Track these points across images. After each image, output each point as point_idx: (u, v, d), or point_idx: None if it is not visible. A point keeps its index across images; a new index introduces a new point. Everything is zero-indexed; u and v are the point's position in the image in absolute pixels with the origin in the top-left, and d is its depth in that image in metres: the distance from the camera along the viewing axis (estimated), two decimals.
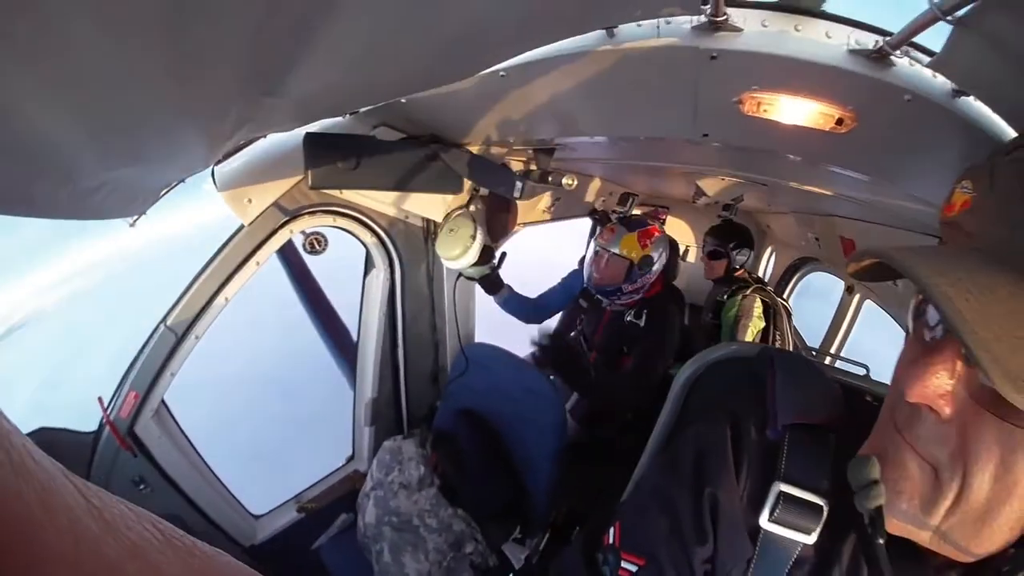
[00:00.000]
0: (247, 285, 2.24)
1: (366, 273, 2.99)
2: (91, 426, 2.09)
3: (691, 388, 1.35)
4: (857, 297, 3.86)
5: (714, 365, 1.33)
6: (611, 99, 1.66)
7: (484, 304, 3.43)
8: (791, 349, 3.48)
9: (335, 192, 2.39)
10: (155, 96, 0.83)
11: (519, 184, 2.23)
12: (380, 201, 2.60)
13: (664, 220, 6.57)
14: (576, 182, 2.31)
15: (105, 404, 2.06)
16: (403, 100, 1.82)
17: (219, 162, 1.92)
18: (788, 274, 5.19)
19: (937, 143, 1.29)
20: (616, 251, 2.90)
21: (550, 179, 2.33)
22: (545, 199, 3.82)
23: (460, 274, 2.96)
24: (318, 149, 2.01)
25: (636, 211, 5.18)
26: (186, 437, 2.35)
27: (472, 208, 2.76)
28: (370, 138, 2.15)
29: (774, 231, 5.62)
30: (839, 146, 1.50)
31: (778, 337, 3.45)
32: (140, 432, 2.10)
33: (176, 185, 1.59)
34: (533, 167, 2.47)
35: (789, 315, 3.60)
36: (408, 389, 3.23)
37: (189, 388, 2.35)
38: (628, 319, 3.00)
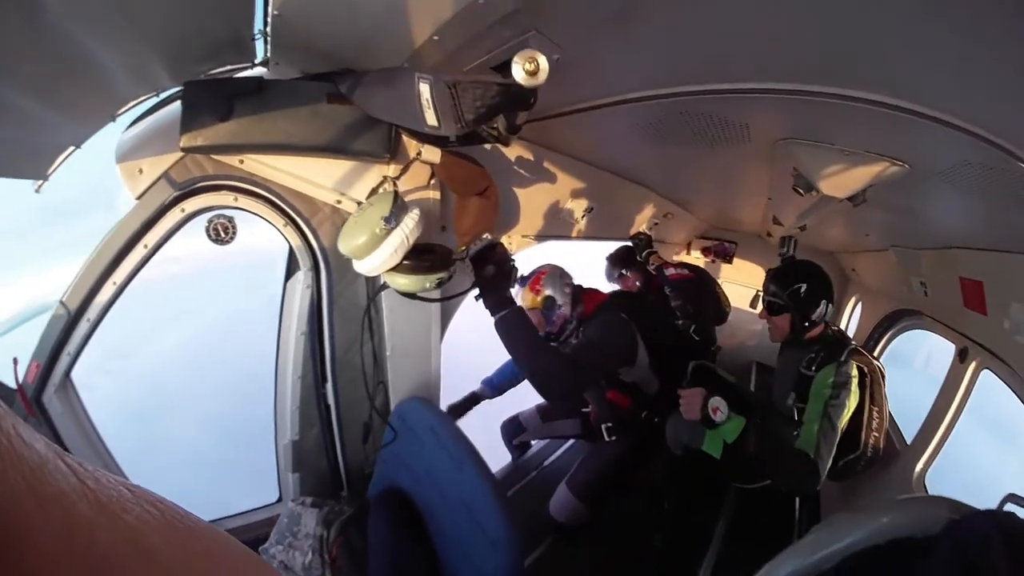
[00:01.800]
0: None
1: (288, 275, 2.31)
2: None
3: None
4: (973, 365, 2.82)
5: None
6: None
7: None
8: (886, 426, 2.65)
9: (234, 161, 1.89)
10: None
11: (425, 91, 1.37)
12: (293, 175, 1.96)
13: (732, 256, 5.90)
14: None
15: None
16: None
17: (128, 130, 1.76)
18: (878, 331, 4.25)
19: None
20: (526, 307, 2.91)
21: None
22: (573, 207, 3.08)
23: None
24: (197, 98, 1.68)
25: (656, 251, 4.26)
26: (91, 423, 2.14)
27: (400, 182, 1.93)
28: (254, 79, 1.72)
29: (861, 276, 4.77)
30: None
31: (875, 414, 2.59)
32: (46, 403, 1.97)
33: (73, 151, 1.62)
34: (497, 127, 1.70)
35: (885, 379, 2.69)
36: (344, 437, 2.47)
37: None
38: (573, 341, 3.03)
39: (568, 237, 3.43)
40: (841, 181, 1.90)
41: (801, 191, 2.07)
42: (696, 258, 6.30)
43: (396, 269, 1.83)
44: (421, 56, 1.44)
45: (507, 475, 3.69)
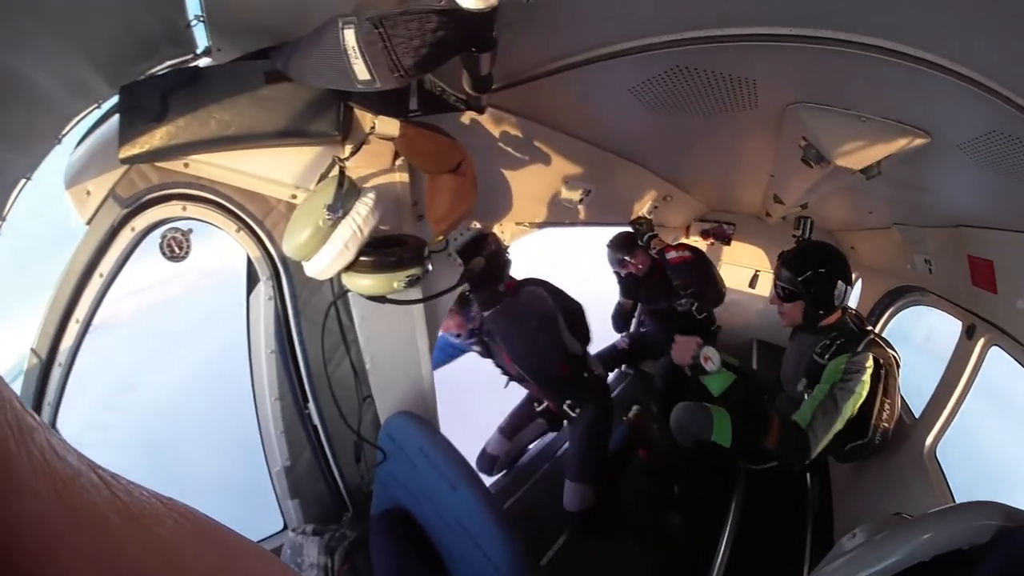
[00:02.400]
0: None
1: (250, 288, 2.06)
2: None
3: None
4: (982, 342, 2.76)
5: None
6: None
7: None
8: (897, 415, 2.59)
9: (178, 166, 1.67)
10: None
11: (350, 38, 1.13)
12: (241, 172, 1.73)
13: (730, 238, 5.90)
14: None
15: None
16: None
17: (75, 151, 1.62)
18: (879, 308, 4.22)
19: None
20: None
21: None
22: (569, 190, 2.93)
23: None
24: (133, 103, 1.48)
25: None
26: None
27: (354, 164, 1.68)
28: (188, 71, 1.53)
29: (861, 254, 4.74)
30: None
31: (887, 406, 2.49)
32: None
33: (24, 184, 1.55)
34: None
35: (899, 369, 2.60)
36: (337, 458, 2.29)
37: None
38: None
39: (566, 223, 3.27)
40: (857, 151, 1.74)
41: (811, 162, 1.92)
42: (695, 241, 6.26)
43: (353, 268, 1.59)
44: (365, 8, 1.20)
45: (511, 480, 3.57)
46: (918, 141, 1.64)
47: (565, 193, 2.91)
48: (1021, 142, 1.40)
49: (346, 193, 1.52)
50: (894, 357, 2.56)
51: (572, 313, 3.06)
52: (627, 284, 4.57)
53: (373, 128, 1.63)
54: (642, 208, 4.24)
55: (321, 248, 1.52)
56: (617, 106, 2.16)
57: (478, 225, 2.45)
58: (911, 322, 4.44)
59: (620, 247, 4.29)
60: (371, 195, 1.57)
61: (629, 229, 4.11)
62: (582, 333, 3.13)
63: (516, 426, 3.61)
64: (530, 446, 3.75)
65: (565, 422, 3.20)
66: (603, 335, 4.56)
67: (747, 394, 2.31)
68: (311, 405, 2.13)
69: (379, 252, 1.61)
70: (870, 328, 2.69)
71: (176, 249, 1.74)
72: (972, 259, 2.59)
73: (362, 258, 1.58)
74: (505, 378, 3.34)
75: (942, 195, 2.39)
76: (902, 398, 3.46)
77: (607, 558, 2.91)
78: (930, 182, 2.24)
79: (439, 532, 1.84)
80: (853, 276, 4.98)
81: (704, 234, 6.23)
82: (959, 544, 1.17)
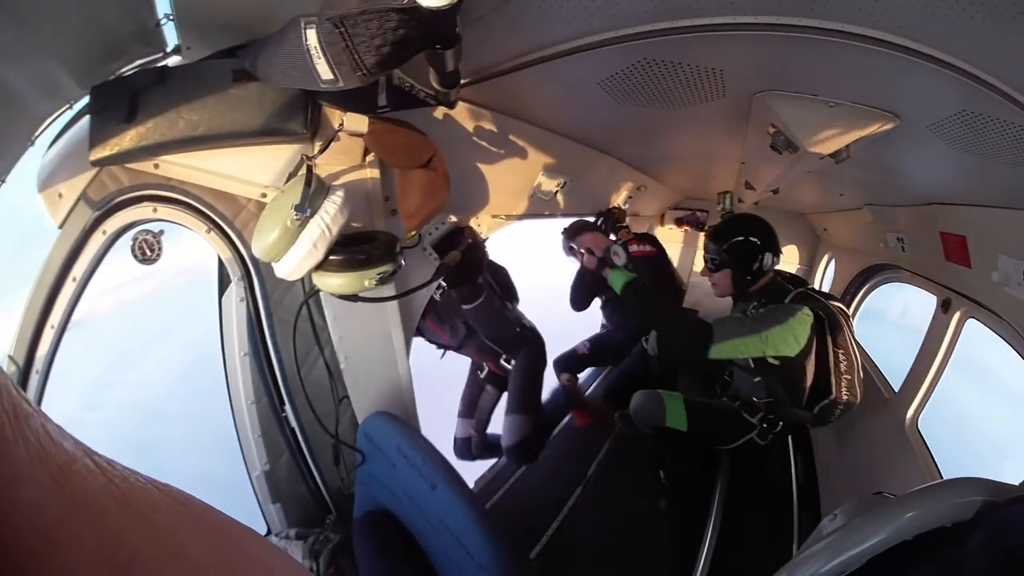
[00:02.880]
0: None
1: (222, 290, 2.01)
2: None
3: None
4: (957, 315, 2.82)
5: None
6: None
7: None
8: (859, 371, 2.61)
9: (148, 167, 1.63)
10: None
11: (312, 38, 1.10)
12: (210, 172, 1.69)
13: (704, 224, 5.93)
14: None
15: None
16: None
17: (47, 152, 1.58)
18: (853, 286, 4.25)
19: None
20: None
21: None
22: (545, 182, 2.91)
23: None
24: (103, 104, 1.45)
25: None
26: None
27: (323, 161, 1.65)
28: (157, 70, 1.48)
29: (833, 235, 4.78)
30: None
31: (842, 357, 2.55)
32: None
33: None
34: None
35: (849, 322, 2.65)
36: (317, 461, 2.25)
37: None
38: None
39: (543, 215, 3.26)
40: (825, 136, 1.73)
41: (780, 149, 1.92)
42: (670, 229, 6.27)
43: (323, 268, 1.56)
44: (331, 5, 1.20)
45: (497, 474, 3.55)
46: (887, 124, 1.64)
47: (540, 186, 2.88)
48: (991, 120, 1.41)
49: (314, 192, 1.48)
50: (839, 308, 2.61)
51: (502, 277, 3.33)
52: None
53: (342, 125, 1.60)
54: (618, 199, 4.22)
55: (290, 249, 1.49)
56: (588, 99, 2.14)
57: (454, 219, 2.42)
58: (887, 299, 4.51)
59: (574, 235, 4.10)
60: (340, 193, 1.54)
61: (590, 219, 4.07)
62: (513, 294, 3.47)
63: (470, 403, 3.79)
64: (492, 416, 3.83)
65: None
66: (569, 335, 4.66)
67: (646, 289, 2.52)
68: (287, 407, 2.09)
69: (349, 250, 1.57)
70: (810, 287, 2.76)
71: (148, 251, 1.71)
72: (945, 235, 2.63)
73: (331, 257, 1.55)
74: (440, 351, 3.56)
75: (913, 175, 2.41)
76: (877, 368, 3.55)
77: (596, 547, 2.92)
78: (900, 163, 2.26)
79: (423, 532, 1.82)
80: (827, 258, 5.07)
81: (678, 222, 6.24)
82: (942, 522, 1.17)
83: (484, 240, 2.72)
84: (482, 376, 3.72)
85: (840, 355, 2.54)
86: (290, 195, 1.48)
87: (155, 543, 0.28)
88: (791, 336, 2.39)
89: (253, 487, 2.20)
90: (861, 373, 2.63)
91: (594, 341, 4.71)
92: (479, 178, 2.43)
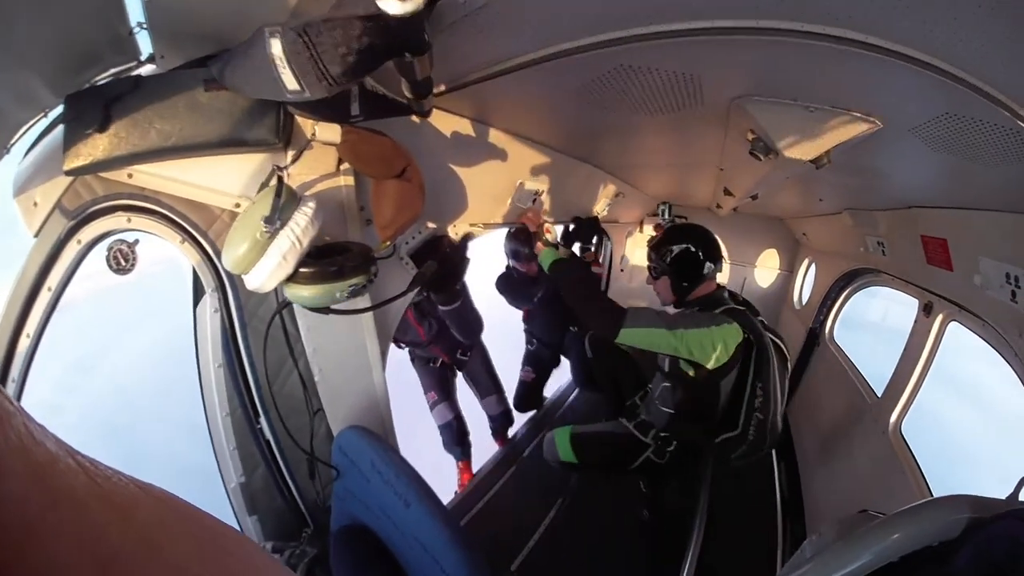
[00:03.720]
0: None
1: (196, 300, 1.98)
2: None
3: None
4: (940, 318, 2.82)
5: None
6: None
7: None
8: (776, 417, 2.43)
9: (122, 177, 1.61)
10: None
11: (276, 48, 1.07)
12: (184, 182, 1.66)
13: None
14: None
15: None
16: None
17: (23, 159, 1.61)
18: (834, 290, 4.27)
19: None
20: None
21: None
22: (521, 191, 2.86)
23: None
24: (77, 112, 1.44)
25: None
26: None
27: (296, 172, 1.62)
28: (130, 79, 1.48)
29: (812, 239, 4.79)
30: None
31: (759, 391, 2.38)
32: None
33: None
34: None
35: (785, 363, 2.49)
36: (293, 473, 2.19)
37: None
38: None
39: (520, 223, 3.22)
40: (805, 142, 1.70)
41: (759, 155, 1.89)
42: (649, 235, 6.28)
43: (294, 279, 1.51)
44: (301, 14, 1.17)
45: (476, 486, 3.49)
46: (868, 127, 1.60)
47: (518, 194, 2.84)
48: (975, 122, 1.37)
49: (285, 203, 1.44)
50: (776, 343, 2.45)
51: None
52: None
53: (314, 135, 1.56)
54: (596, 206, 4.20)
55: (259, 261, 1.43)
56: (565, 107, 2.09)
57: (432, 226, 2.37)
58: (865, 303, 4.53)
59: (516, 240, 4.01)
60: (311, 204, 1.49)
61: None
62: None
63: (443, 388, 3.99)
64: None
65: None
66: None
67: (572, 268, 2.57)
68: (262, 420, 2.03)
69: (320, 262, 1.53)
70: (749, 309, 2.61)
71: (122, 261, 1.70)
72: (926, 239, 2.61)
73: (302, 269, 1.50)
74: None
75: (893, 178, 2.38)
76: (861, 376, 3.53)
77: (578, 558, 2.88)
78: (881, 167, 2.23)
79: (400, 547, 1.77)
80: (807, 262, 5.08)
81: (657, 228, 6.28)
82: (928, 541, 1.13)
83: (464, 247, 2.67)
84: (437, 366, 3.91)
85: (758, 390, 2.38)
86: (260, 206, 1.43)
87: (137, 540, 0.28)
88: (709, 343, 2.28)
89: (229, 499, 2.15)
90: (779, 422, 2.44)
91: (532, 364, 4.68)
92: (456, 187, 2.38)
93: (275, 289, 1.62)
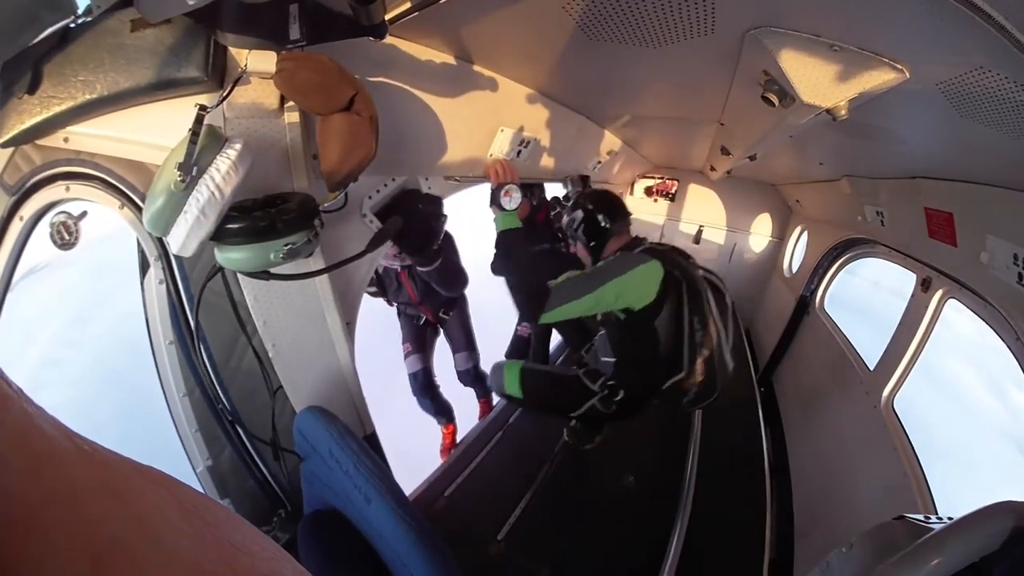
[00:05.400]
0: None
1: (143, 272, 1.75)
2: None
3: None
4: (939, 295, 2.69)
5: None
6: None
7: None
8: (723, 355, 2.37)
9: (58, 142, 1.42)
10: None
11: None
12: (117, 139, 1.42)
13: (673, 194, 5.83)
14: None
15: None
16: None
17: None
18: (827, 260, 4.13)
19: None
20: None
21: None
22: (504, 140, 2.55)
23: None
24: (10, 78, 1.31)
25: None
26: None
27: (229, 110, 1.37)
28: (58, 32, 1.28)
29: (806, 207, 4.66)
30: None
31: (697, 325, 2.28)
32: None
33: None
34: None
35: (723, 298, 2.44)
36: (261, 455, 2.00)
37: None
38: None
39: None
40: (826, 86, 1.46)
41: (774, 99, 1.66)
42: (640, 199, 6.13)
43: (221, 240, 1.27)
44: None
45: (459, 458, 3.31)
46: (895, 77, 1.38)
47: (499, 145, 2.55)
48: (1007, 82, 1.19)
49: (205, 147, 1.17)
50: (709, 280, 2.43)
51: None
52: None
53: (246, 66, 1.27)
54: (586, 164, 3.99)
55: (177, 222, 1.18)
56: (554, 35, 1.74)
57: (401, 179, 2.13)
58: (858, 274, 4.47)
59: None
60: (236, 146, 1.21)
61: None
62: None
63: (419, 341, 4.06)
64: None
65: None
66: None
67: (515, 245, 2.46)
68: (224, 399, 1.82)
69: (248, 217, 1.27)
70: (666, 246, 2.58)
71: (65, 235, 1.56)
72: (929, 211, 2.49)
73: (228, 226, 1.24)
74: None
75: (902, 145, 2.18)
76: (852, 347, 3.44)
77: (566, 524, 2.78)
78: (892, 128, 2.01)
79: (371, 536, 1.59)
80: (799, 230, 4.96)
81: (648, 191, 6.10)
82: (971, 559, 0.97)
83: (439, 203, 2.42)
84: (421, 323, 4.00)
85: (696, 323, 2.28)
86: (175, 154, 1.18)
87: (134, 528, 0.27)
88: (630, 285, 2.24)
89: (200, 483, 1.95)
90: (729, 360, 2.39)
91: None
92: (428, 133, 2.06)
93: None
